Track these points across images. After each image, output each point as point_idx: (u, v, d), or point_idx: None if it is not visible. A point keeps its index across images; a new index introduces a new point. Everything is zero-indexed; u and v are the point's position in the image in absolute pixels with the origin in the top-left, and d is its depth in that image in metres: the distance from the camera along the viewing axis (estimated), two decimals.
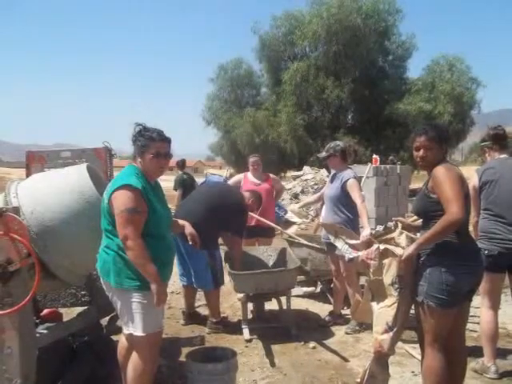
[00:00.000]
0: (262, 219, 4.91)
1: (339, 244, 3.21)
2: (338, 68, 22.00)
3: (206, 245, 3.57)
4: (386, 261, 2.62)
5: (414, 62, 24.42)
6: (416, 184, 14.77)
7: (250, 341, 3.91)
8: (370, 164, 9.97)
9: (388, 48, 23.45)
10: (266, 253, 4.64)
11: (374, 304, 2.73)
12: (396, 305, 2.58)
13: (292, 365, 3.50)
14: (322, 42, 22.00)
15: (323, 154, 4.23)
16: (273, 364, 3.50)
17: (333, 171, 4.34)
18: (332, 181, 4.23)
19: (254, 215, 4.80)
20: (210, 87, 28.04)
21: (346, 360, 3.57)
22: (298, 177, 16.25)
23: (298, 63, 22.06)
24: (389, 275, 2.59)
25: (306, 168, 16.94)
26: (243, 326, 4.03)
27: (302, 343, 3.87)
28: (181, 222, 2.99)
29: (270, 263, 4.55)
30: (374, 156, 11.01)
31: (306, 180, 15.34)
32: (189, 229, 2.94)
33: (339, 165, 4.16)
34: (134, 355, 2.53)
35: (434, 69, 22.80)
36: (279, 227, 5.41)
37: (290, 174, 20.30)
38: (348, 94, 21.48)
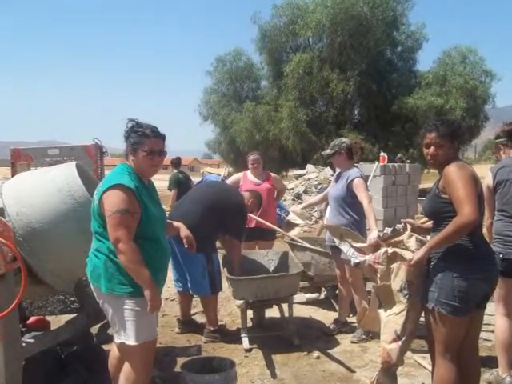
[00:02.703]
0: (262, 221, 4.91)
1: (345, 247, 3.22)
2: (343, 60, 21.97)
3: (202, 248, 3.57)
4: (394, 265, 2.63)
5: (424, 54, 24.31)
6: (426, 183, 14.79)
7: (249, 350, 3.91)
8: (377, 162, 9.98)
9: (397, 39, 23.41)
10: (267, 257, 4.64)
11: (381, 311, 2.74)
12: (405, 312, 2.59)
13: (294, 376, 3.50)
14: (326, 32, 21.95)
15: (328, 151, 4.23)
16: (274, 375, 3.50)
17: (338, 170, 4.34)
18: (337, 180, 4.23)
19: (254, 217, 4.80)
20: (208, 80, 27.96)
21: (351, 371, 3.57)
22: (301, 176, 16.26)
23: (300, 55, 22.04)
24: (397, 281, 2.60)
25: (310, 166, 16.95)
26: (242, 335, 4.03)
27: (305, 353, 3.87)
28: (176, 223, 3.00)
29: (271, 268, 4.56)
30: (382, 154, 11.02)
31: (309, 179, 15.37)
32: (184, 231, 2.95)
33: (345, 163, 4.17)
34: (126, 366, 2.53)
35: (446, 61, 22.78)
36: (280, 229, 5.42)
37: (293, 172, 20.31)
38: (354, 87, 21.45)
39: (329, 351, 3.91)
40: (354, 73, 21.49)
